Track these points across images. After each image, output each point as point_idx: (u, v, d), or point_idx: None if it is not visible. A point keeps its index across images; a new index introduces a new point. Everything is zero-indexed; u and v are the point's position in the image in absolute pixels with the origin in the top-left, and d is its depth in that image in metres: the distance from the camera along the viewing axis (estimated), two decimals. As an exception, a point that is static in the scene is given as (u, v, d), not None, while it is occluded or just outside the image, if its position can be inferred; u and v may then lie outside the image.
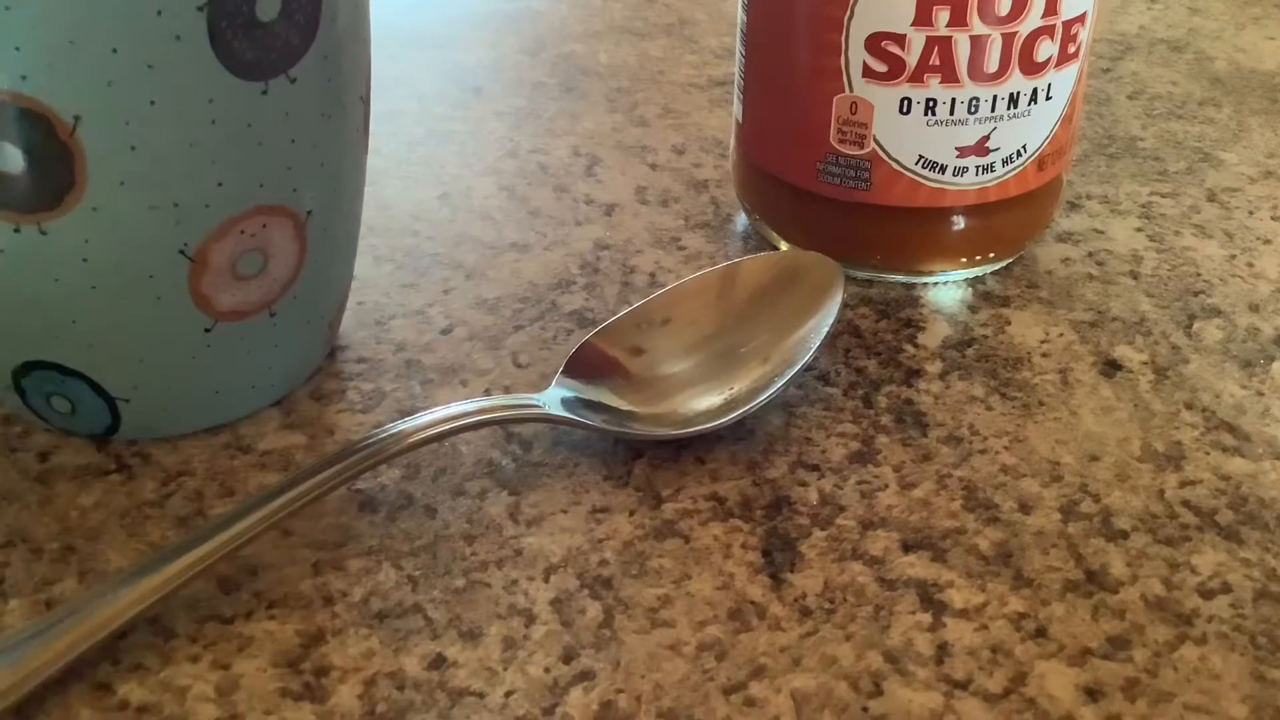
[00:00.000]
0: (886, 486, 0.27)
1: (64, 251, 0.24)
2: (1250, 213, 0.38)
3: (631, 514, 0.26)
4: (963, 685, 0.23)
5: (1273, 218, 0.38)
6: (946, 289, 0.34)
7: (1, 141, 0.23)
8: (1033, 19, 0.30)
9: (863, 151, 0.32)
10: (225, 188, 0.25)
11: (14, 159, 0.23)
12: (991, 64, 0.31)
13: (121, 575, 0.23)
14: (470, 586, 0.25)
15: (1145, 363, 0.31)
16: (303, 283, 0.28)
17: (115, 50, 0.23)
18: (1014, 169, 0.33)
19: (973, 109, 0.31)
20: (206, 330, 0.26)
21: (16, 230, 0.24)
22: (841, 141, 0.32)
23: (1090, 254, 0.36)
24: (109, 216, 0.24)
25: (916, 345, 0.32)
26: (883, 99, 0.31)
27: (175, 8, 0.23)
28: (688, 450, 0.28)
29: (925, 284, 0.34)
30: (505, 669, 0.23)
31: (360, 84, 0.28)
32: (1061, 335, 0.32)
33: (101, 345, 0.26)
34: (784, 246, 0.35)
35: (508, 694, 0.22)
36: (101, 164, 0.23)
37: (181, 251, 0.25)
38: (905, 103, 0.31)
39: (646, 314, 0.30)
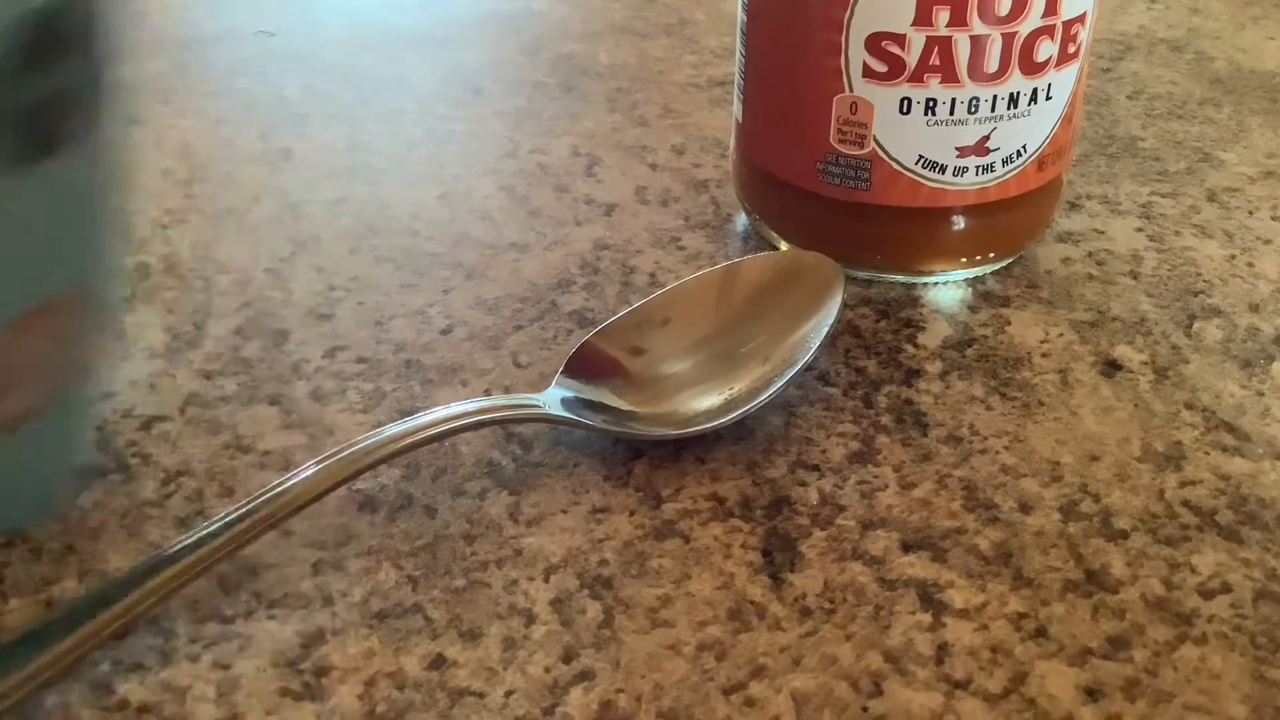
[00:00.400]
0: (886, 486, 0.27)
1: None
2: (1250, 213, 0.38)
3: (631, 514, 0.26)
4: (963, 685, 0.23)
5: (1273, 218, 0.38)
6: (946, 289, 0.34)
7: None
8: (1033, 19, 0.30)
9: (863, 151, 0.32)
10: (12, 283, 0.23)
11: None
12: (991, 64, 0.31)
13: (121, 575, 0.23)
14: (470, 586, 0.25)
15: (1145, 363, 0.31)
16: (65, 385, 0.25)
17: None
18: (1014, 169, 0.33)
19: (973, 109, 0.31)
20: None
21: None
22: (841, 141, 0.32)
23: (1090, 254, 0.36)
24: None
25: (916, 345, 0.32)
26: (883, 99, 0.31)
27: None
28: (688, 450, 0.28)
29: (925, 284, 0.34)
30: (505, 669, 0.23)
31: (115, 166, 0.25)
32: (1061, 335, 0.32)
33: None
34: (784, 246, 0.35)
35: (508, 694, 0.22)
36: None
37: None
38: (905, 103, 0.31)
39: (646, 314, 0.30)
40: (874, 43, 0.31)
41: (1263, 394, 0.30)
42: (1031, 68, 0.31)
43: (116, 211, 0.25)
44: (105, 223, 0.25)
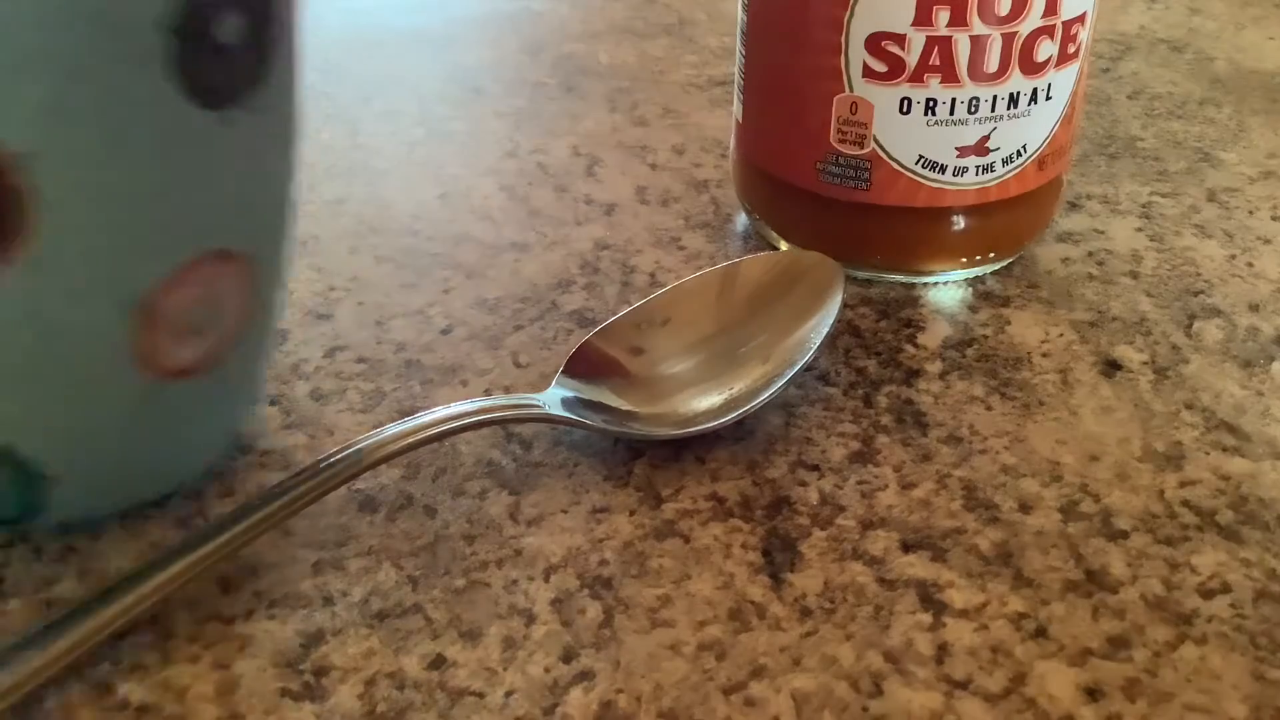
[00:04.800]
0: (886, 486, 0.27)
1: (3, 310, 0.21)
2: (1250, 213, 0.38)
3: (631, 514, 0.26)
4: (963, 685, 0.23)
5: (1273, 218, 0.38)
6: (946, 289, 0.34)
7: None
8: (1033, 19, 0.30)
9: (863, 151, 0.32)
10: (178, 230, 0.22)
11: None
12: (991, 64, 0.31)
13: (121, 575, 0.23)
14: (470, 586, 0.25)
15: (1145, 363, 0.31)
16: (247, 332, 0.25)
17: (70, 78, 0.20)
18: (1014, 169, 0.33)
19: (973, 109, 0.31)
20: (149, 390, 0.24)
21: None
22: (841, 141, 0.32)
23: (1090, 254, 0.36)
24: (56, 266, 0.21)
25: (916, 345, 0.32)
26: (883, 99, 0.31)
27: (135, 30, 0.20)
28: (688, 450, 0.28)
29: (925, 284, 0.34)
30: (505, 669, 0.23)
31: (301, 119, 0.26)
32: (1061, 335, 0.32)
33: (34, 414, 0.23)
34: (784, 246, 0.35)
35: (508, 694, 0.22)
36: (50, 207, 0.21)
37: (129, 302, 0.22)
38: (905, 103, 0.31)
39: (646, 314, 0.30)
40: (874, 43, 0.31)
41: (1263, 394, 0.30)
42: (1031, 68, 0.31)
43: (288, 169, 0.25)
44: (278, 179, 0.25)
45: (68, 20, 0.20)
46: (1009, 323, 0.33)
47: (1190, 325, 0.33)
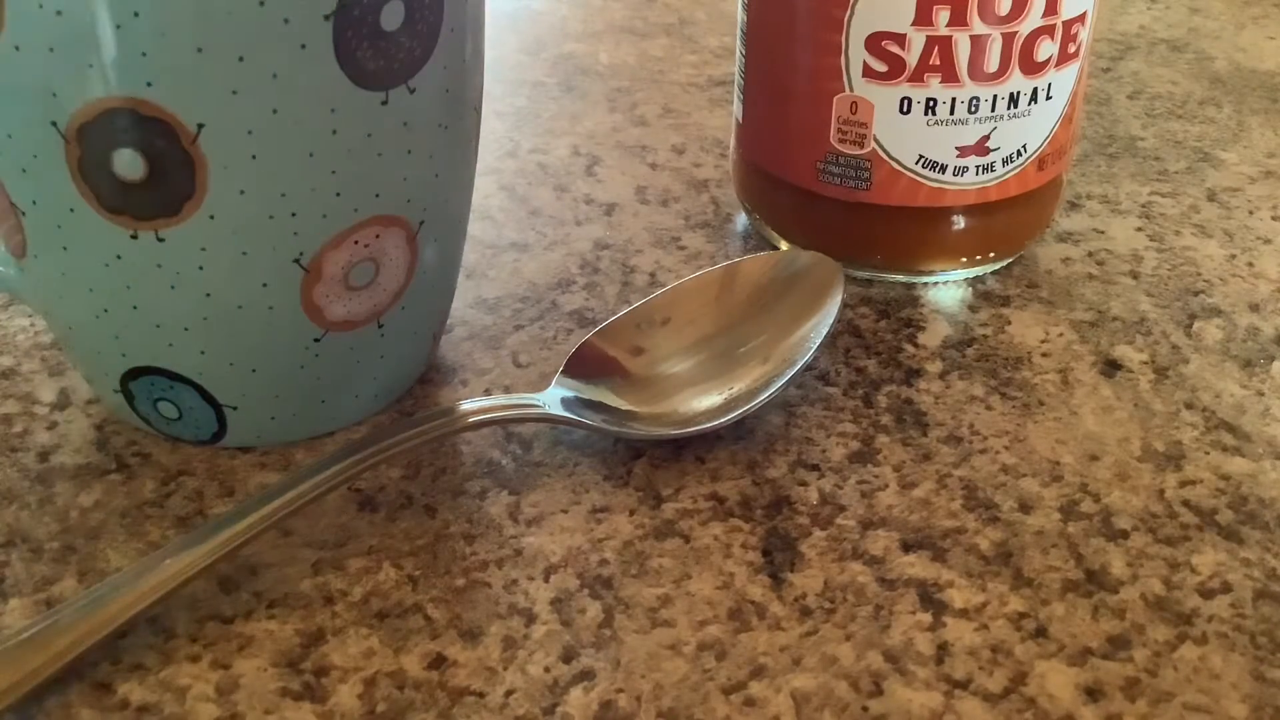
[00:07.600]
0: (886, 486, 0.27)
1: (180, 259, 0.24)
2: (1250, 212, 0.38)
3: (631, 514, 0.26)
4: (963, 685, 0.23)
5: (1273, 218, 0.38)
6: (946, 289, 0.34)
7: (124, 149, 0.23)
8: (1033, 19, 0.30)
9: (863, 151, 0.32)
10: (342, 198, 0.25)
11: (135, 166, 0.23)
12: (991, 64, 0.31)
13: (121, 575, 0.23)
14: (470, 586, 0.25)
15: (1145, 363, 0.31)
16: (411, 294, 0.27)
17: (241, 59, 0.22)
18: (1014, 169, 0.33)
19: (973, 109, 0.31)
20: (316, 340, 0.26)
21: (134, 237, 0.24)
22: (841, 141, 0.32)
23: (1090, 254, 0.36)
24: (227, 225, 0.24)
25: (916, 345, 0.32)
26: (883, 99, 0.31)
27: (302, 16, 0.22)
28: (688, 450, 0.28)
29: (925, 284, 0.34)
30: (505, 669, 0.23)
31: (475, 94, 0.28)
32: (1061, 335, 0.32)
33: (212, 352, 0.26)
34: (784, 246, 0.35)
35: (508, 694, 0.22)
36: (222, 173, 0.23)
37: (296, 261, 0.25)
38: (905, 102, 0.31)
39: (646, 314, 0.30)
40: (874, 42, 0.31)
41: (1263, 394, 0.30)
42: (1031, 67, 0.31)
43: (455, 141, 0.27)
44: (442, 151, 0.27)
45: (240, 10, 0.22)
46: (1009, 322, 0.33)
47: (1190, 325, 0.33)
